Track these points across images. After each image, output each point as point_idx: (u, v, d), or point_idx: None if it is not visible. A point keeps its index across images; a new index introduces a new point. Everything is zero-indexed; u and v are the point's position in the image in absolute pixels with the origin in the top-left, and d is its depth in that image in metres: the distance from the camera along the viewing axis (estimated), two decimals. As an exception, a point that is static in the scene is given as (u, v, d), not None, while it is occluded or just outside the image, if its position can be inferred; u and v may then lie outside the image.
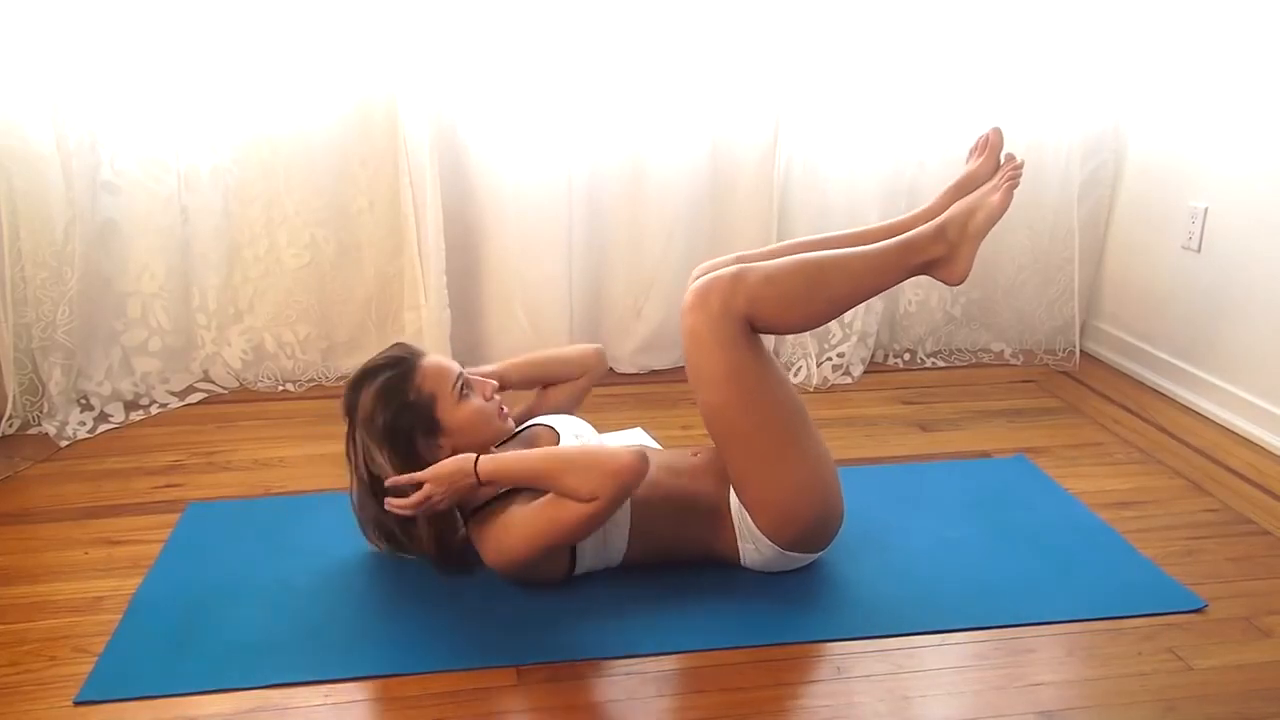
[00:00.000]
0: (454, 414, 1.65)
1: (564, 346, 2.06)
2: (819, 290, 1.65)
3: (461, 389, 1.67)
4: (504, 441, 1.82)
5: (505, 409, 1.74)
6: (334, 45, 2.40)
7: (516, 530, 1.58)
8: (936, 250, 1.70)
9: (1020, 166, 1.77)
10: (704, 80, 2.55)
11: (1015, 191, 1.73)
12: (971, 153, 1.89)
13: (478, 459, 1.57)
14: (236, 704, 1.41)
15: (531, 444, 1.76)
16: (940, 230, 1.70)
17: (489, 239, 2.64)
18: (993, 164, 1.83)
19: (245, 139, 2.42)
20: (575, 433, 1.77)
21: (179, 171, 2.41)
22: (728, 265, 1.66)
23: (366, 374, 1.66)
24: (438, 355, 1.71)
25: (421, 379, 1.64)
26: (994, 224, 1.71)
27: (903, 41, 2.59)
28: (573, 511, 1.52)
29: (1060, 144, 2.74)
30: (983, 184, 1.78)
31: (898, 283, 1.77)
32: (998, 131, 1.86)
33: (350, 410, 1.66)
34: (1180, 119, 2.64)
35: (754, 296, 1.59)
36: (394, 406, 1.62)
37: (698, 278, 1.68)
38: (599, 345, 2.02)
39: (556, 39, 2.43)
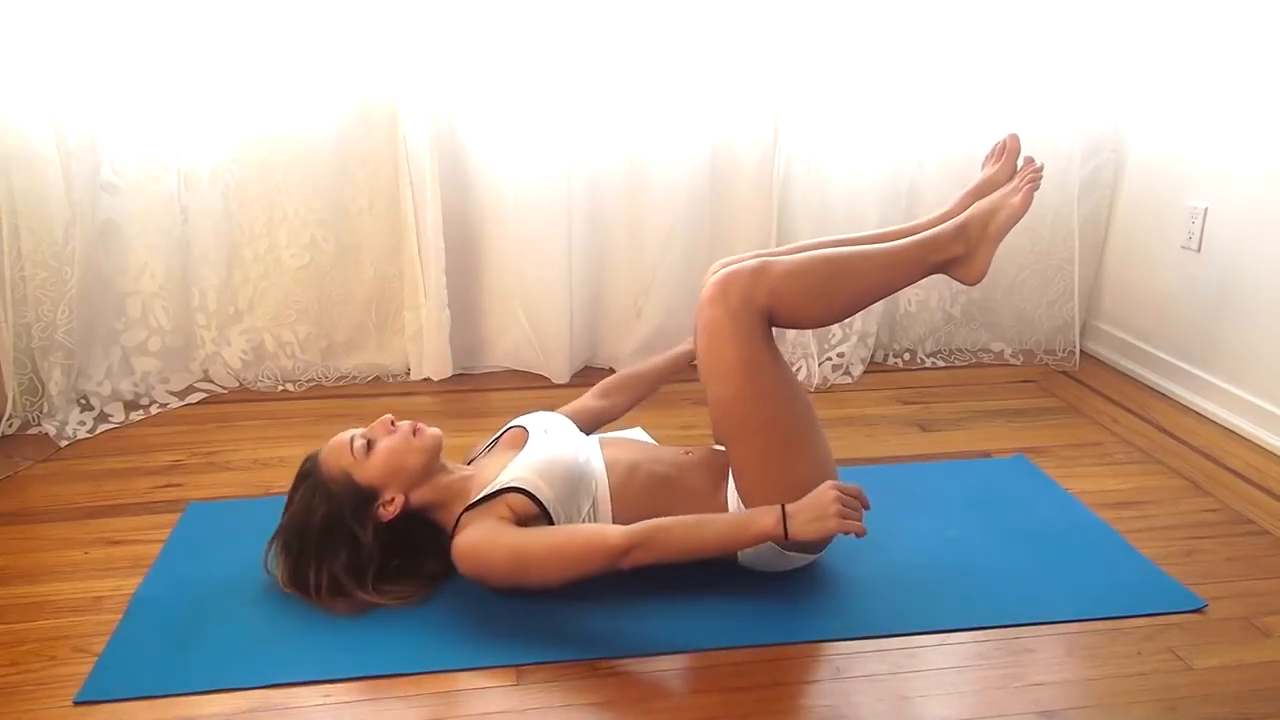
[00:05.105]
0: (370, 469, 1.61)
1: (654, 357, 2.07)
2: (841, 284, 1.66)
3: (363, 446, 1.63)
4: (488, 448, 1.82)
5: (418, 425, 1.69)
6: (334, 45, 2.40)
7: (542, 553, 1.55)
8: (957, 249, 1.71)
9: (1040, 169, 1.79)
10: (704, 80, 2.55)
11: (1035, 194, 1.74)
12: (988, 158, 1.90)
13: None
14: (236, 704, 1.41)
15: (510, 446, 1.77)
16: (961, 229, 1.72)
17: (489, 239, 2.64)
18: (1010, 168, 1.85)
19: (245, 139, 2.42)
20: (544, 427, 1.77)
21: (179, 171, 2.41)
22: (747, 261, 1.65)
23: (286, 507, 1.65)
24: (330, 442, 1.66)
25: (328, 470, 1.62)
26: (1014, 224, 1.74)
27: (903, 40, 2.59)
28: (599, 552, 1.52)
29: (1060, 144, 2.73)
30: (1000, 188, 1.80)
31: (916, 280, 1.79)
32: (1015, 137, 1.87)
33: (297, 557, 1.61)
34: (1180, 119, 2.64)
35: (776, 289, 1.59)
36: (322, 507, 1.59)
37: (714, 273, 1.67)
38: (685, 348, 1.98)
39: (556, 39, 2.43)
